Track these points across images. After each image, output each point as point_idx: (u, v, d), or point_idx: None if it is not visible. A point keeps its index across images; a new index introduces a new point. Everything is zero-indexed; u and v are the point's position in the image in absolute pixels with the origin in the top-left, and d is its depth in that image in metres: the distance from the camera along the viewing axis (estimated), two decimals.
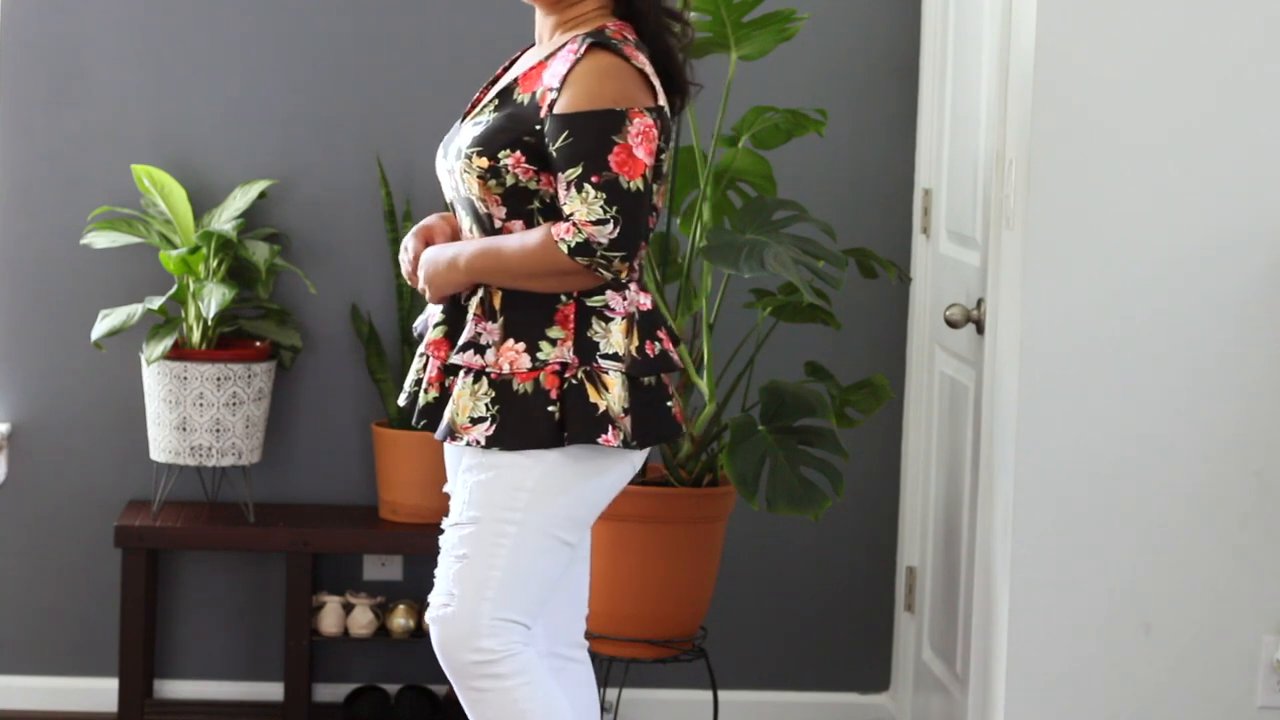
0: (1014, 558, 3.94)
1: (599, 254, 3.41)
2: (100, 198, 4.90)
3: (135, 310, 4.71)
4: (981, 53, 4.41)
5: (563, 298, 3.48)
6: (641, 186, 3.42)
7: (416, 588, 5.02)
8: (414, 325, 3.75)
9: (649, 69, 3.50)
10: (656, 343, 3.53)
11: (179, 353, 4.73)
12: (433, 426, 3.57)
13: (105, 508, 4.96)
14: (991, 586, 4.06)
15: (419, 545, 4.80)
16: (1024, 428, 3.93)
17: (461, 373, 3.51)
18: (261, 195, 4.87)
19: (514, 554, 3.47)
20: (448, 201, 3.65)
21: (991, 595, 4.06)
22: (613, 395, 3.46)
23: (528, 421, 3.45)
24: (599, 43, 3.46)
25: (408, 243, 3.64)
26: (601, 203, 3.40)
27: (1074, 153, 3.88)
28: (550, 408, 3.45)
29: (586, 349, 3.47)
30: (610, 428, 3.45)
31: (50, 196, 4.94)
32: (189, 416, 4.73)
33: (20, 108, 4.92)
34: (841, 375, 4.67)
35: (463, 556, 3.48)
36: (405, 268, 3.66)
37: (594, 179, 3.39)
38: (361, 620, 4.87)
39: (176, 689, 5.02)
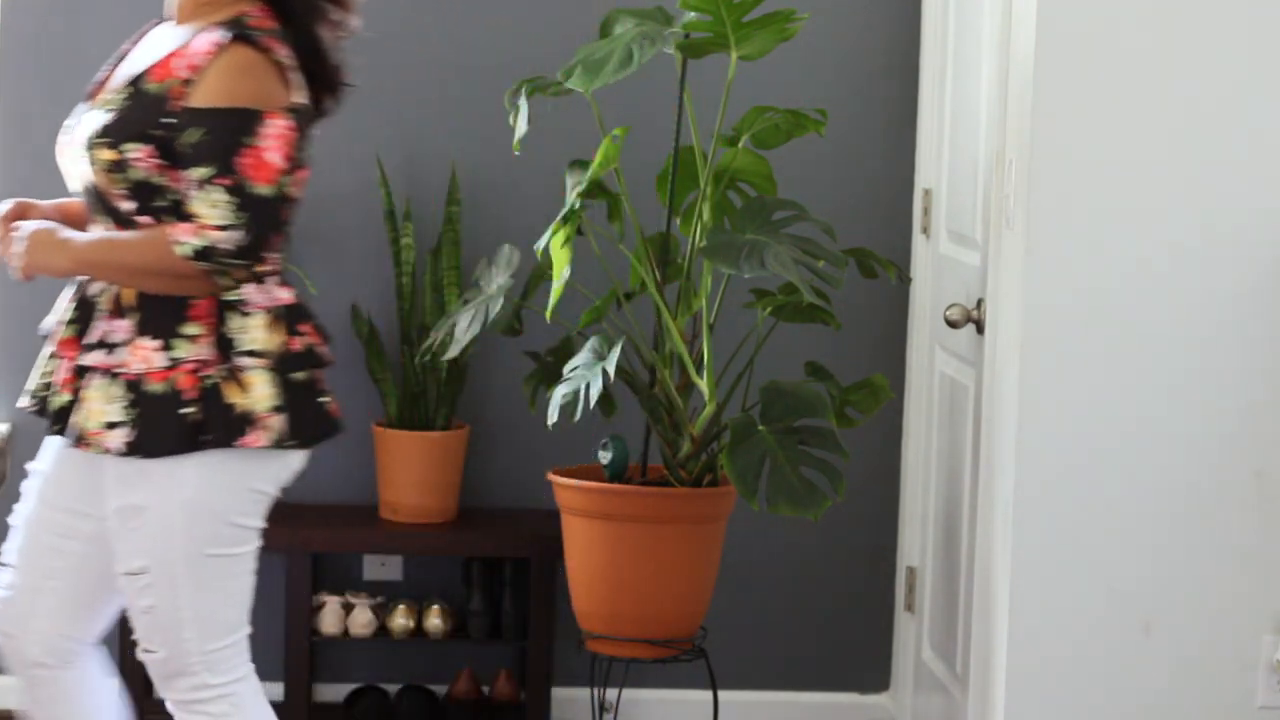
0: (1014, 558, 3.94)
1: (218, 260, 3.20)
2: None
3: None
4: (981, 53, 4.41)
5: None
6: (272, 192, 3.21)
7: (416, 588, 5.01)
8: (42, 326, 3.50)
9: (290, 63, 3.30)
10: (301, 337, 3.33)
11: None
12: (65, 431, 3.34)
13: None
14: (991, 586, 4.06)
15: (419, 545, 4.80)
16: (1024, 428, 3.93)
17: (91, 373, 3.28)
18: None
19: (195, 592, 3.29)
20: (73, 191, 3.44)
21: (991, 595, 4.06)
22: (256, 394, 3.26)
23: (164, 426, 3.22)
24: (241, 35, 3.24)
25: (2, 208, 3.39)
26: (228, 207, 3.18)
27: (1074, 153, 3.88)
28: (185, 410, 3.23)
29: (225, 346, 3.26)
30: (251, 428, 3.26)
31: (50, 196, 4.92)
32: None
33: (20, 108, 4.92)
34: (841, 375, 4.67)
35: (149, 609, 3.30)
36: None
37: (221, 181, 3.18)
38: (361, 620, 4.87)
39: None
